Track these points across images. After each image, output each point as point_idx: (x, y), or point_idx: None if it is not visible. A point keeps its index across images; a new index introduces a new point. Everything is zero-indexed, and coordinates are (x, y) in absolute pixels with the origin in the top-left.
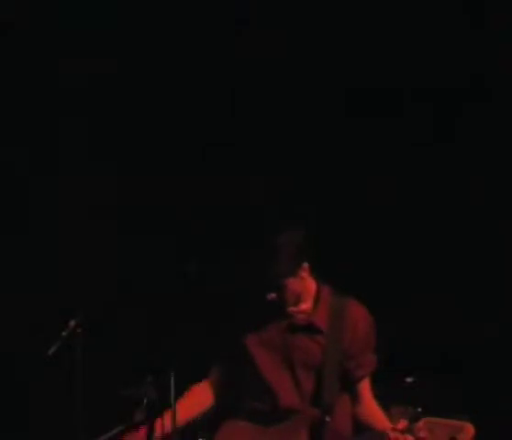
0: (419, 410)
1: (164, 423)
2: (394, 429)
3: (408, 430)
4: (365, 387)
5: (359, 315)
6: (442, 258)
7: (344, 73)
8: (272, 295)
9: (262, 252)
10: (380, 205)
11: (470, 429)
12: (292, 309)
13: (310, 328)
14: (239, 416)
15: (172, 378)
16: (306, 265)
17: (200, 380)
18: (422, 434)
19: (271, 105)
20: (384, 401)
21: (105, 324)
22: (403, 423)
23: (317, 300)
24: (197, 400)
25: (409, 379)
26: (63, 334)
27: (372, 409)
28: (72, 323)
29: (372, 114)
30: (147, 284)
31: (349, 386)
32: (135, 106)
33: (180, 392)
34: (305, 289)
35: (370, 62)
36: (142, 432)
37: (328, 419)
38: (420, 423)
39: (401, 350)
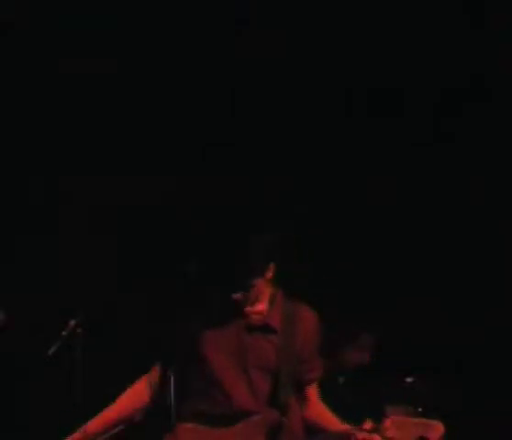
0: (419, 410)
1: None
2: (360, 429)
3: (375, 430)
4: (314, 389)
5: (310, 320)
6: (442, 258)
7: (344, 73)
8: (238, 295)
9: (236, 252)
10: (380, 205)
11: (439, 428)
12: (248, 309)
13: (265, 328)
14: (192, 419)
15: (172, 377)
16: (272, 265)
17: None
18: (389, 434)
19: (271, 105)
20: (385, 401)
21: (105, 324)
22: (368, 423)
23: (271, 302)
24: (138, 398)
25: (409, 379)
26: (63, 334)
27: (322, 411)
28: (72, 323)
29: (372, 114)
30: (147, 284)
31: (298, 389)
32: (135, 106)
33: None
34: (265, 289)
35: (370, 62)
36: None
37: (284, 419)
38: (387, 423)
39: (401, 350)
